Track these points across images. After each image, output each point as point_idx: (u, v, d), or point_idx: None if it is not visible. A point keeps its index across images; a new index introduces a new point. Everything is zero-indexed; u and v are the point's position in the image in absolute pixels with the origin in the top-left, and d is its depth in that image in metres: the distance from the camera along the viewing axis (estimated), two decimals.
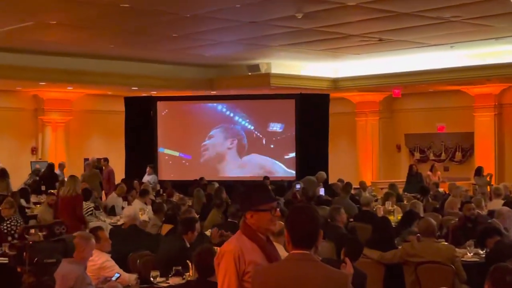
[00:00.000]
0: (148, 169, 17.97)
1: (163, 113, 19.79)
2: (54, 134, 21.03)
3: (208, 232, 8.94)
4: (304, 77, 19.48)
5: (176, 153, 19.76)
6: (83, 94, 21.49)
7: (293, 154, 18.94)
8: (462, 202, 11.47)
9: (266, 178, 17.02)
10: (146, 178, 17.49)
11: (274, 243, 4.02)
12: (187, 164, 19.71)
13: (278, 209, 3.91)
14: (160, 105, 19.81)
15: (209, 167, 19.23)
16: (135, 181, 16.04)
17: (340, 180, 15.45)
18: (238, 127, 19.34)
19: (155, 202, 12.24)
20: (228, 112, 19.61)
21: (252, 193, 3.93)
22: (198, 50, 16.73)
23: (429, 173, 18.17)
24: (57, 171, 17.90)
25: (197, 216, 8.90)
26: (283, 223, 3.75)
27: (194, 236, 7.35)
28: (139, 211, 10.48)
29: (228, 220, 9.75)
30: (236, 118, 19.44)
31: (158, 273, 6.63)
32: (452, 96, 20.73)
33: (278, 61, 18.64)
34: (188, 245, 7.20)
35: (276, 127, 19.17)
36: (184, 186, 16.18)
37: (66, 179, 16.43)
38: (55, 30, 14.07)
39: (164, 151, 19.74)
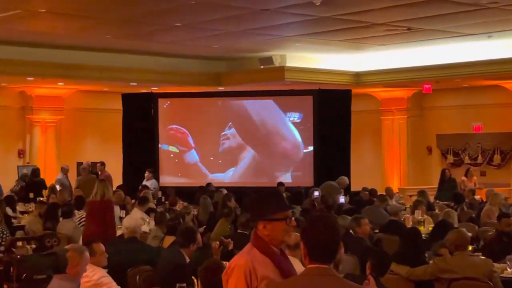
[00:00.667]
0: (146, 173, 17.95)
1: (164, 106, 19.75)
2: (44, 135, 21.11)
3: None
4: (322, 71, 19.47)
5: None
6: (76, 91, 21.57)
7: (311, 148, 18.89)
8: (500, 212, 11.43)
9: (280, 184, 17.02)
10: (145, 183, 17.50)
11: (290, 257, 4.04)
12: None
13: (293, 219, 3.93)
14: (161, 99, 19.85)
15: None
16: (140, 186, 16.11)
17: (365, 189, 15.42)
18: (259, 118, 19.36)
19: (157, 211, 12.27)
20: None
21: (265, 200, 3.94)
22: (204, 41, 16.77)
23: (464, 178, 18.12)
24: (59, 175, 18.00)
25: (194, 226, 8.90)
26: (299, 234, 3.76)
27: (194, 249, 7.37)
28: (140, 222, 10.51)
29: (238, 231, 9.77)
30: (249, 108, 19.44)
31: None
32: (490, 92, 20.65)
33: (294, 53, 18.65)
34: (188, 260, 7.22)
35: (294, 117, 19.13)
36: (188, 193, 16.20)
37: (61, 184, 16.79)
38: (45, 19, 14.14)
39: (169, 148, 19.74)
